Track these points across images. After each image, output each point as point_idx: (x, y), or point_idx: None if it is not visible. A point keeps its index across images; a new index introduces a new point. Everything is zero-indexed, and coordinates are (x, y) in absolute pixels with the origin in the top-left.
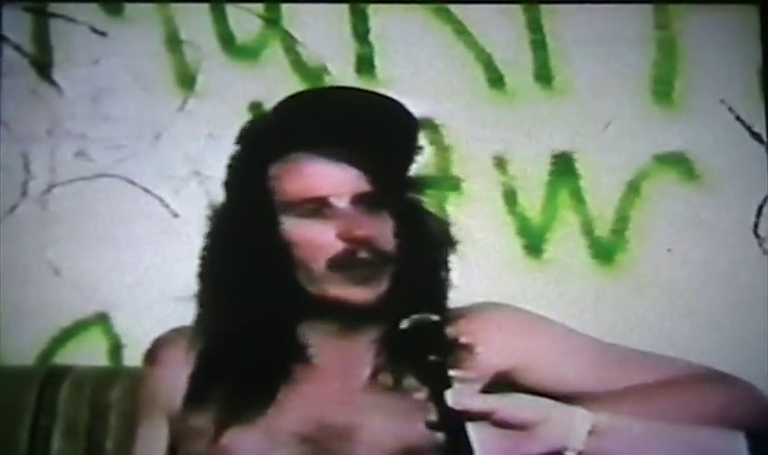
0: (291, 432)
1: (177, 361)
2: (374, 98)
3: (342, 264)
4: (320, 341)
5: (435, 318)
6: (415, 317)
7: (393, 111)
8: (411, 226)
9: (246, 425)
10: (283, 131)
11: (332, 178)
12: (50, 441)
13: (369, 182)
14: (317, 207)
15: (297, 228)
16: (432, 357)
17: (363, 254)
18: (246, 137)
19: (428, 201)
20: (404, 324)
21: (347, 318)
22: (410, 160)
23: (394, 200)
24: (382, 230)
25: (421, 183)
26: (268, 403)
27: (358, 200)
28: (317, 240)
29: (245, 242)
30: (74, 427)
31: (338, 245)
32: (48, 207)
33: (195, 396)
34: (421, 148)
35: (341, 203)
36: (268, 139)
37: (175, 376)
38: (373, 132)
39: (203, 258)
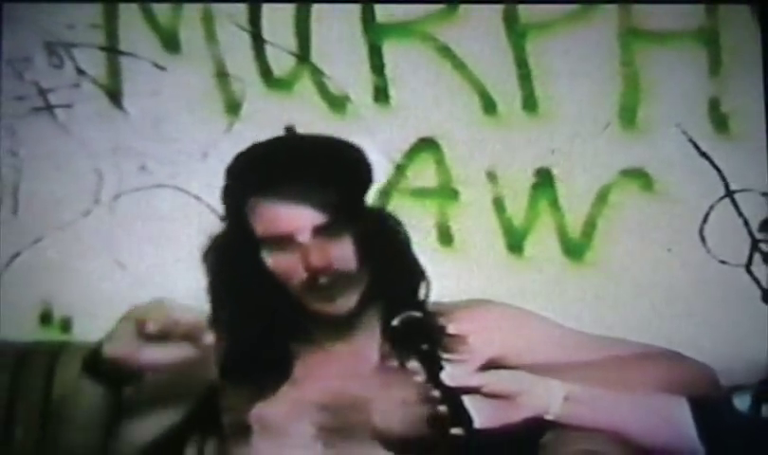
0: (312, 402)
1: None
2: (319, 141)
3: (310, 288)
4: (324, 331)
5: (418, 314)
6: (402, 315)
7: (339, 149)
8: (367, 239)
9: (269, 399)
10: (240, 180)
11: (290, 216)
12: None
13: (325, 214)
14: (283, 242)
15: (272, 259)
16: (424, 347)
17: (323, 280)
18: (225, 188)
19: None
20: (395, 322)
21: (332, 325)
22: (361, 188)
23: (352, 224)
24: (341, 254)
25: (374, 209)
26: (284, 379)
27: (318, 231)
28: (288, 269)
29: (241, 268)
30: None
31: (303, 274)
32: (116, 212)
33: (230, 377)
34: (371, 177)
35: (303, 236)
36: (233, 187)
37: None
38: (322, 170)
39: (212, 281)
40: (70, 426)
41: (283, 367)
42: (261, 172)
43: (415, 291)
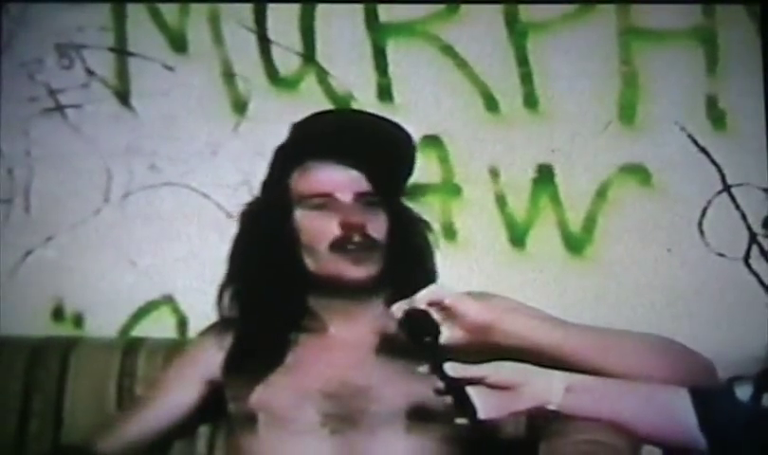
0: (316, 390)
1: (214, 343)
2: (378, 119)
3: (340, 246)
4: (330, 314)
5: (422, 307)
6: (407, 308)
7: (393, 131)
8: (400, 222)
9: (267, 383)
10: (299, 144)
11: (337, 178)
12: (132, 396)
13: (368, 184)
14: (324, 201)
15: (306, 218)
16: (427, 339)
17: (357, 238)
18: (278, 150)
19: (416, 207)
20: (398, 313)
21: (345, 294)
22: (404, 171)
23: (389, 201)
24: (375, 223)
25: (414, 191)
26: (278, 363)
27: (359, 197)
28: (321, 227)
29: (265, 228)
30: None
31: (338, 231)
32: (126, 210)
33: (231, 368)
34: (413, 165)
35: (345, 196)
36: (291, 151)
37: (214, 353)
38: (375, 144)
39: (234, 243)
40: None
41: (280, 348)
42: (320, 135)
43: (423, 278)
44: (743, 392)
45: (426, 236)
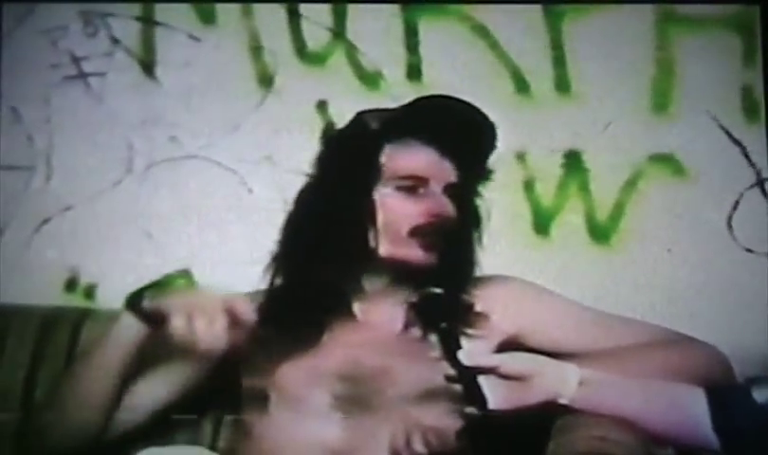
0: (332, 371)
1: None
2: (475, 110)
3: (423, 233)
4: (363, 298)
5: (438, 290)
6: (423, 291)
7: (488, 127)
8: (467, 216)
9: (294, 363)
10: (408, 120)
11: (435, 165)
12: None
13: (457, 175)
14: (416, 184)
15: (391, 198)
16: (443, 325)
17: (437, 227)
18: (366, 121)
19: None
20: (414, 297)
21: (400, 277)
22: (487, 168)
23: (470, 195)
24: (455, 215)
25: (487, 181)
26: (313, 345)
27: (447, 187)
28: (407, 210)
29: (341, 199)
30: None
31: (421, 218)
32: (147, 182)
33: (257, 340)
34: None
35: (437, 187)
36: (393, 124)
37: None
38: (471, 137)
39: (291, 212)
40: (94, 370)
41: (315, 331)
42: (429, 117)
43: (461, 284)
44: (761, 394)
45: (479, 229)
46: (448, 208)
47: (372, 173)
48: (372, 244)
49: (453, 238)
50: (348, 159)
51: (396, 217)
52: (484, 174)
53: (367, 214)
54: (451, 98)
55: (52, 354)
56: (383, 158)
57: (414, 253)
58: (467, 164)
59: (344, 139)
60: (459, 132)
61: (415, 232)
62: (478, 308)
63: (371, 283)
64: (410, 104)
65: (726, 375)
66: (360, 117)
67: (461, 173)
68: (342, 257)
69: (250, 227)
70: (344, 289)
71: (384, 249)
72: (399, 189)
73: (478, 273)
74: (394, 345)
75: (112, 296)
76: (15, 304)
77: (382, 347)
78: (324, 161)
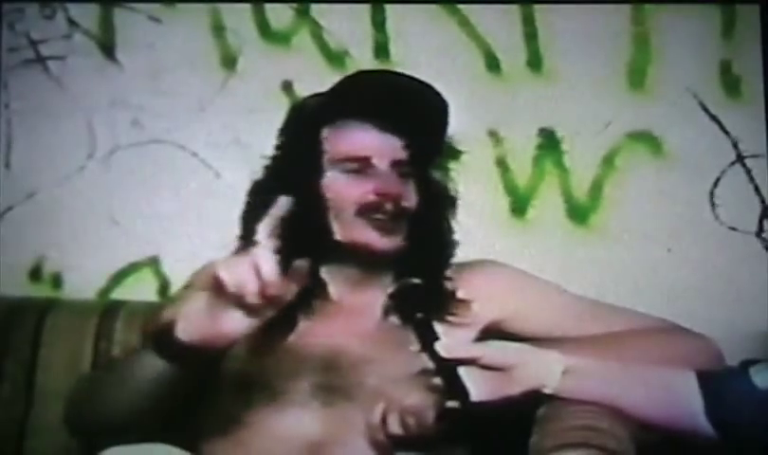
0: (311, 359)
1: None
2: (418, 83)
3: (369, 211)
4: (340, 284)
5: (417, 281)
6: (400, 281)
7: (435, 98)
8: (428, 194)
9: (272, 351)
10: (339, 100)
11: (377, 143)
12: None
13: (406, 152)
14: (360, 165)
15: (337, 180)
16: (419, 315)
17: (389, 206)
18: (303, 106)
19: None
20: (390, 288)
21: (366, 264)
22: (440, 141)
23: (422, 171)
24: (407, 193)
25: (445, 158)
26: (289, 332)
27: (395, 165)
28: (353, 191)
29: (290, 188)
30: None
31: (371, 198)
32: (110, 167)
33: None
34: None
35: (382, 164)
36: (326, 107)
37: None
38: (414, 110)
39: (248, 202)
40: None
41: (291, 317)
42: (361, 95)
43: (443, 253)
44: (761, 377)
45: (449, 211)
46: (396, 185)
47: (315, 159)
48: (333, 231)
49: (418, 221)
50: (291, 147)
51: (342, 199)
52: (442, 151)
53: (318, 200)
54: (387, 71)
55: (17, 346)
56: (323, 143)
57: (371, 237)
58: (417, 139)
59: (285, 127)
60: (398, 105)
61: (362, 212)
62: (460, 295)
63: (340, 270)
64: (340, 83)
65: (716, 361)
66: (301, 102)
67: (411, 150)
68: (303, 244)
69: (219, 211)
70: (317, 273)
71: (340, 234)
72: (346, 171)
73: (456, 258)
74: (375, 334)
75: (78, 284)
76: None
77: (362, 336)
78: (274, 150)
